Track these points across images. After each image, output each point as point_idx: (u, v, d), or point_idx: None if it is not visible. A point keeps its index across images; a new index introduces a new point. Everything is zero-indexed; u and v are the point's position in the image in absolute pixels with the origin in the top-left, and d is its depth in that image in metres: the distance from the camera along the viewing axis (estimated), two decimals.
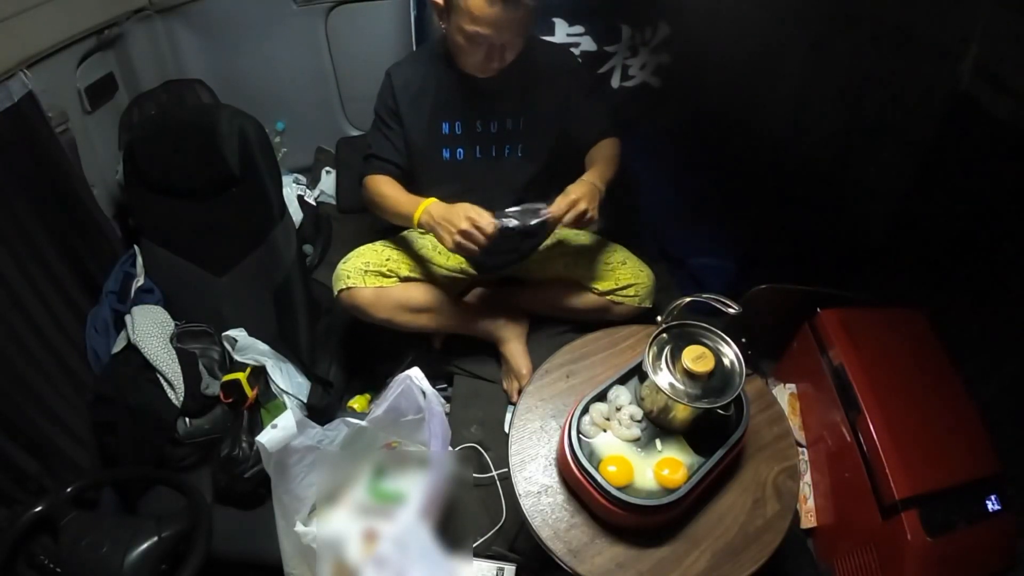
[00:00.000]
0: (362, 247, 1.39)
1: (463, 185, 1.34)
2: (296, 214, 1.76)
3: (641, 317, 1.38)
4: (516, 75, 1.25)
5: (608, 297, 1.38)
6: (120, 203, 1.60)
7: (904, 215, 1.55)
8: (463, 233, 1.15)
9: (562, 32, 1.62)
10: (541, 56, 1.30)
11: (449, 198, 1.32)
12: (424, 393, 1.11)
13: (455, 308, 1.41)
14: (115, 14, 1.53)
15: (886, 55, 1.47)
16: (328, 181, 2.01)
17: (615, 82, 1.72)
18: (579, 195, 1.17)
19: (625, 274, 1.37)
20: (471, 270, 1.44)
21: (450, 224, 1.16)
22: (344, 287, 1.33)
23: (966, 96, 1.31)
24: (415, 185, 1.36)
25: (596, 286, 1.38)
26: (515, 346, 1.42)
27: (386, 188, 1.32)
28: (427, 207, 1.21)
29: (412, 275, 1.37)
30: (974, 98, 1.29)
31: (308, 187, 1.96)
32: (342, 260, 1.37)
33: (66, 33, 1.37)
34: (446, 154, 1.34)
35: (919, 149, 1.46)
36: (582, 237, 1.46)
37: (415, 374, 1.12)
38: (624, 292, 1.37)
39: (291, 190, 1.84)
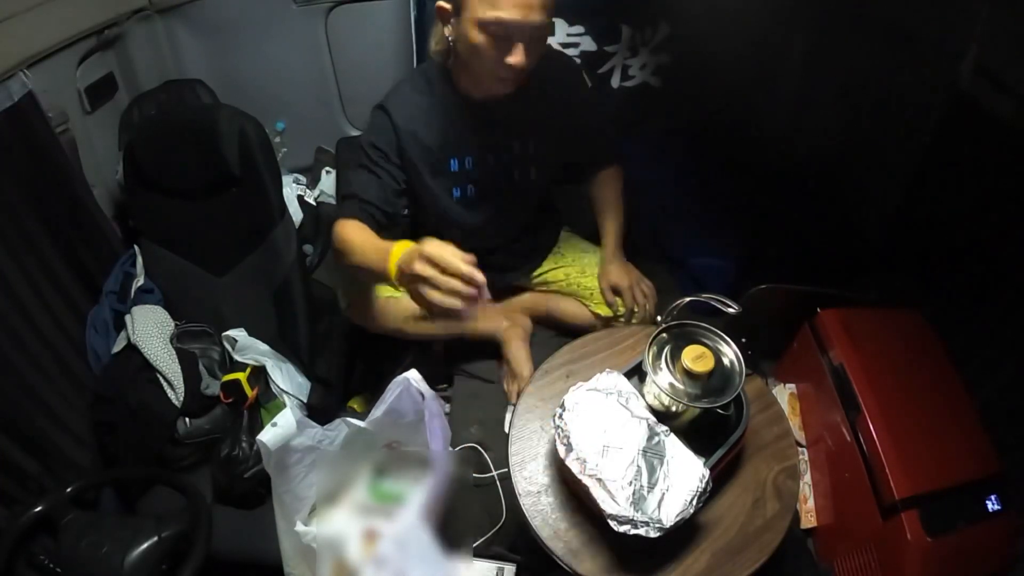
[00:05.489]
0: None
1: (476, 219, 1.29)
2: (296, 214, 1.76)
3: None
4: (525, 92, 1.13)
5: (610, 321, 1.36)
6: (120, 203, 1.60)
7: (904, 215, 1.55)
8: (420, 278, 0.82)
9: (562, 32, 1.62)
10: (546, 67, 1.13)
11: (461, 235, 1.27)
12: (423, 395, 1.11)
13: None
14: (115, 14, 1.53)
15: (886, 55, 1.47)
16: (328, 181, 2.01)
17: (615, 82, 1.72)
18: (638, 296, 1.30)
19: (628, 299, 1.33)
20: None
21: (414, 278, 0.83)
22: (351, 301, 1.31)
23: (966, 96, 1.30)
24: (422, 228, 1.25)
25: (597, 310, 1.37)
26: (517, 348, 1.41)
27: (355, 234, 1.04)
28: (399, 263, 0.88)
29: None
30: (974, 98, 1.29)
31: (308, 187, 1.96)
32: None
33: (66, 33, 1.37)
34: (456, 193, 1.23)
35: (919, 149, 1.46)
36: (588, 254, 1.44)
37: (413, 376, 1.12)
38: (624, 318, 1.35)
39: (291, 190, 1.84)
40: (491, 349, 1.49)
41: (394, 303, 1.30)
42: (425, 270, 0.81)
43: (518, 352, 1.40)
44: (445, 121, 1.14)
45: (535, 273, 1.46)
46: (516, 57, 0.99)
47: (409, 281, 0.85)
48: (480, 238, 1.31)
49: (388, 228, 1.12)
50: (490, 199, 1.25)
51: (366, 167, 1.14)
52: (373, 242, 1.01)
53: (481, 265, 1.40)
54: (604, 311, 1.36)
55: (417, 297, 0.84)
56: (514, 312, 1.46)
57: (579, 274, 1.41)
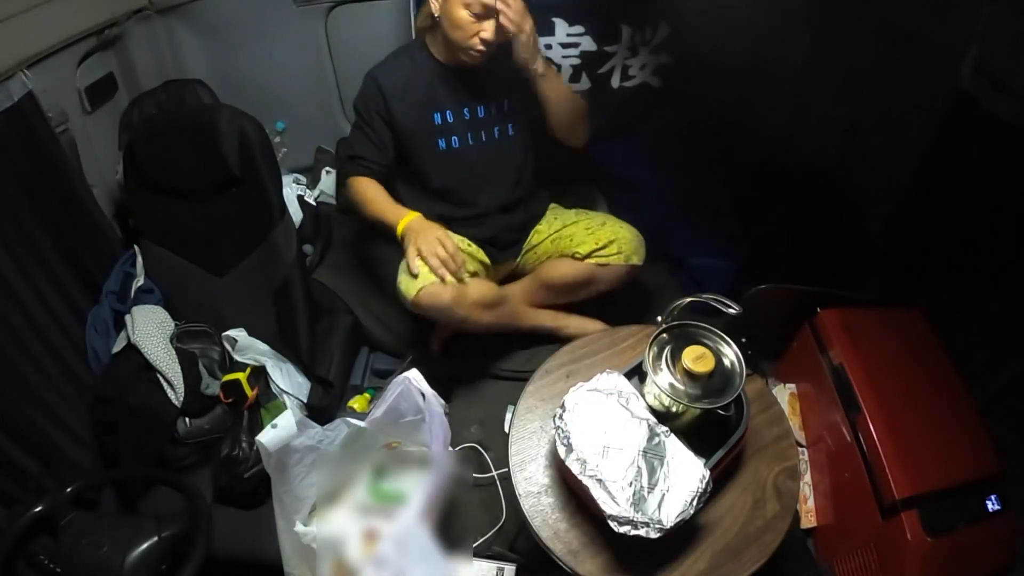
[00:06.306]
0: None
1: (464, 171, 1.40)
2: (296, 214, 1.75)
3: (640, 313, 1.38)
4: (492, 62, 1.33)
5: (591, 260, 1.39)
6: (120, 203, 1.60)
7: (904, 215, 1.55)
8: (428, 249, 1.24)
9: (562, 32, 1.62)
10: (505, 43, 1.37)
11: (452, 186, 1.41)
12: (423, 394, 1.11)
13: (511, 302, 1.44)
14: (115, 14, 1.53)
15: (886, 55, 1.48)
16: (328, 181, 2.01)
17: (615, 82, 1.72)
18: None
19: (605, 233, 1.40)
20: (485, 260, 1.46)
21: (424, 242, 1.25)
22: (423, 286, 1.25)
23: (966, 96, 1.30)
24: (418, 179, 1.42)
25: (578, 250, 1.40)
26: (577, 319, 1.50)
27: (371, 192, 1.37)
28: (409, 223, 1.29)
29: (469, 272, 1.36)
30: (974, 98, 1.29)
31: (308, 187, 1.96)
32: (406, 260, 1.29)
33: (66, 33, 1.37)
34: (442, 144, 1.39)
35: (919, 149, 1.46)
36: (569, 215, 1.51)
37: (413, 375, 1.12)
38: (606, 251, 1.39)
39: (291, 190, 1.84)
40: (491, 347, 1.49)
41: (463, 291, 1.27)
42: (440, 238, 1.26)
43: (577, 321, 1.49)
44: (424, 82, 1.37)
45: (526, 243, 1.52)
46: (488, 33, 1.24)
47: (414, 242, 1.26)
48: (472, 193, 1.43)
49: (384, 176, 1.40)
50: (473, 152, 1.41)
51: (359, 127, 1.40)
52: (389, 202, 1.36)
53: (484, 244, 1.49)
54: (585, 249, 1.40)
55: (416, 253, 1.25)
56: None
57: (560, 227, 1.48)
